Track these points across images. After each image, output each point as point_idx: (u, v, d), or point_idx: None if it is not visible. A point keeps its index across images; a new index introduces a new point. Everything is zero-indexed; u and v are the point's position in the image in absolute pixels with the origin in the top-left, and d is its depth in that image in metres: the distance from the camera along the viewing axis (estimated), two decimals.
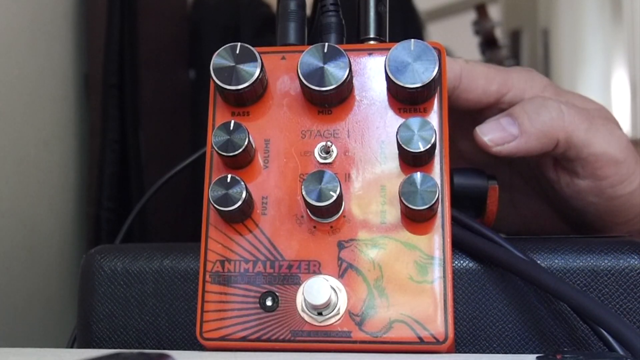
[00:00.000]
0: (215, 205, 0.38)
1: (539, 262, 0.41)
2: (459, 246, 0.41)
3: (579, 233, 0.52)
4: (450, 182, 0.45)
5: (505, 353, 0.41)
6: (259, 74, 0.39)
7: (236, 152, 0.39)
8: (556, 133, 0.44)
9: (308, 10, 0.45)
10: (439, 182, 0.38)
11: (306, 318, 0.38)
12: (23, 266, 0.82)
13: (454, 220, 0.41)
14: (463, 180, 0.45)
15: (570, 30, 1.93)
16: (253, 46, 0.40)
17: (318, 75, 0.39)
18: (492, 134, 0.43)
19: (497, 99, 0.46)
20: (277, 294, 0.38)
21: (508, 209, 0.52)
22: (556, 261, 0.41)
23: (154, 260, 0.45)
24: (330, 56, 0.39)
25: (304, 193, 0.37)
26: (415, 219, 0.38)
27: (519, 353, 0.41)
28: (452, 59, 0.46)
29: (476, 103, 0.46)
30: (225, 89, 0.39)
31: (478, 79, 0.46)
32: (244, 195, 0.38)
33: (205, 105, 0.42)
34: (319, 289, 0.37)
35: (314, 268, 0.38)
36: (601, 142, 0.45)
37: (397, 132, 0.38)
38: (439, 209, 0.38)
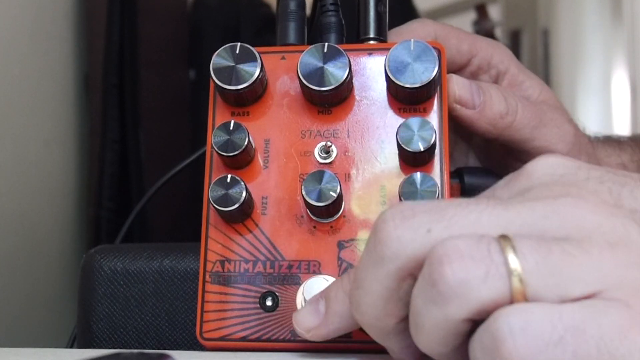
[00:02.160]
0: (215, 205, 0.38)
1: None
2: None
3: None
4: (461, 181, 0.45)
5: None
6: (259, 74, 0.39)
7: (236, 152, 0.39)
8: (502, 129, 0.45)
9: (308, 10, 0.45)
10: (438, 182, 0.38)
11: None
12: (23, 266, 0.82)
13: None
14: (474, 180, 0.45)
15: (570, 30, 1.93)
16: (253, 46, 0.40)
17: (318, 75, 0.39)
18: (463, 92, 0.44)
19: (469, 58, 0.48)
20: (277, 294, 0.38)
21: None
22: None
23: (154, 260, 0.45)
24: (330, 56, 0.39)
25: (304, 193, 0.37)
26: None
27: None
28: (422, 21, 0.47)
29: (450, 63, 0.47)
30: (225, 89, 0.39)
31: (450, 38, 0.47)
32: (244, 195, 0.38)
33: (205, 105, 0.42)
34: (319, 289, 0.37)
35: (314, 268, 0.38)
36: (546, 137, 0.46)
37: (397, 132, 0.38)
38: None
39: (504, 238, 0.25)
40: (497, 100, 0.44)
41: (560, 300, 0.24)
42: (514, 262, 0.25)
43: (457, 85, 0.43)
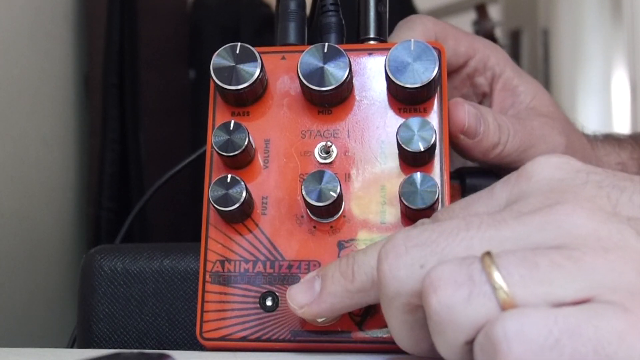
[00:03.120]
0: (215, 205, 0.38)
1: None
2: None
3: None
4: (462, 181, 0.45)
5: None
6: (259, 74, 0.39)
7: (236, 152, 0.39)
8: (491, 158, 0.45)
9: (308, 10, 0.45)
10: (438, 182, 0.38)
11: None
12: (23, 266, 0.82)
13: None
14: (475, 181, 0.45)
15: (570, 30, 1.93)
16: (253, 46, 0.40)
17: (318, 75, 0.39)
18: (473, 122, 0.43)
19: (466, 60, 0.48)
20: (277, 294, 0.38)
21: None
22: None
23: (154, 260, 0.45)
24: (330, 56, 0.39)
25: (304, 193, 0.37)
26: (415, 219, 0.38)
27: None
28: (422, 18, 0.47)
29: (447, 65, 0.47)
30: (225, 89, 0.39)
31: (448, 39, 0.47)
32: (244, 195, 0.38)
33: (205, 105, 0.42)
34: None
35: (314, 268, 0.38)
36: (534, 156, 0.46)
37: (397, 132, 0.38)
38: (439, 209, 0.38)
39: (487, 255, 0.26)
40: (492, 131, 0.44)
41: (552, 306, 0.24)
42: (497, 277, 0.25)
43: (469, 116, 0.42)
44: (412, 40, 0.39)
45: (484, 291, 0.25)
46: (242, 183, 0.38)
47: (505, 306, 0.25)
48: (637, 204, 0.26)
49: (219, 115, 0.41)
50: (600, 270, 0.25)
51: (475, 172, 0.46)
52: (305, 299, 0.34)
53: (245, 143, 0.38)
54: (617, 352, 0.23)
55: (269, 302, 0.38)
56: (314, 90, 0.39)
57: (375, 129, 0.40)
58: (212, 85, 0.41)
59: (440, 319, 0.26)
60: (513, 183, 0.29)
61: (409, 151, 0.38)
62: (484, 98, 0.50)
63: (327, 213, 0.38)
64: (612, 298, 0.24)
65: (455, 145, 0.44)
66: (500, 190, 0.30)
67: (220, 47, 0.40)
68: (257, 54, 0.39)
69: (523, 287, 0.25)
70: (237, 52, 0.39)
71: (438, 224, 0.28)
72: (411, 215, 0.38)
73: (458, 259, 0.26)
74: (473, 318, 0.25)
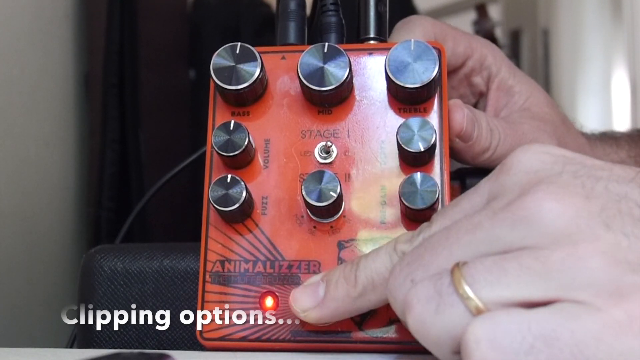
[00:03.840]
0: (215, 205, 0.38)
1: None
2: None
3: None
4: (463, 182, 0.45)
5: None
6: (259, 74, 0.39)
7: (236, 152, 0.39)
8: (480, 162, 0.45)
9: (308, 10, 0.45)
10: (439, 182, 0.38)
11: None
12: (23, 266, 0.82)
13: None
14: (475, 181, 0.45)
15: (570, 30, 1.93)
16: (253, 46, 0.40)
17: (318, 75, 0.39)
18: (469, 127, 0.43)
19: (464, 60, 0.48)
20: (277, 294, 0.38)
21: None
22: None
23: (154, 260, 0.45)
24: (330, 56, 0.39)
25: (304, 193, 0.37)
26: (415, 218, 0.38)
27: None
28: (420, 19, 0.47)
29: (446, 66, 0.47)
30: (225, 88, 0.39)
31: (447, 40, 0.47)
32: (244, 195, 0.38)
33: (205, 105, 0.42)
34: None
35: (314, 268, 0.38)
36: None
37: (397, 132, 0.38)
38: (439, 209, 0.38)
39: (456, 267, 0.26)
40: (485, 136, 0.44)
41: (522, 307, 0.25)
42: (465, 287, 0.26)
43: (467, 120, 0.42)
44: (412, 40, 0.39)
45: (451, 301, 0.26)
46: (242, 183, 0.38)
47: (477, 314, 0.25)
48: (613, 192, 0.26)
49: (219, 115, 0.41)
50: (569, 268, 0.25)
51: (475, 172, 0.46)
52: (309, 303, 0.34)
53: (245, 143, 0.38)
54: (596, 354, 0.23)
55: (269, 302, 0.38)
56: (314, 90, 0.39)
57: (375, 129, 0.40)
58: (212, 85, 0.41)
59: (419, 335, 0.27)
60: (494, 178, 0.30)
61: (409, 151, 0.38)
62: (480, 97, 0.50)
63: (327, 213, 0.38)
64: (583, 297, 0.24)
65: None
66: (483, 185, 0.31)
67: (220, 47, 0.40)
68: (257, 54, 0.39)
69: (490, 292, 0.25)
70: (237, 52, 0.39)
71: (426, 240, 0.30)
72: (411, 215, 0.38)
73: (429, 277, 0.27)
74: (445, 328, 0.26)
